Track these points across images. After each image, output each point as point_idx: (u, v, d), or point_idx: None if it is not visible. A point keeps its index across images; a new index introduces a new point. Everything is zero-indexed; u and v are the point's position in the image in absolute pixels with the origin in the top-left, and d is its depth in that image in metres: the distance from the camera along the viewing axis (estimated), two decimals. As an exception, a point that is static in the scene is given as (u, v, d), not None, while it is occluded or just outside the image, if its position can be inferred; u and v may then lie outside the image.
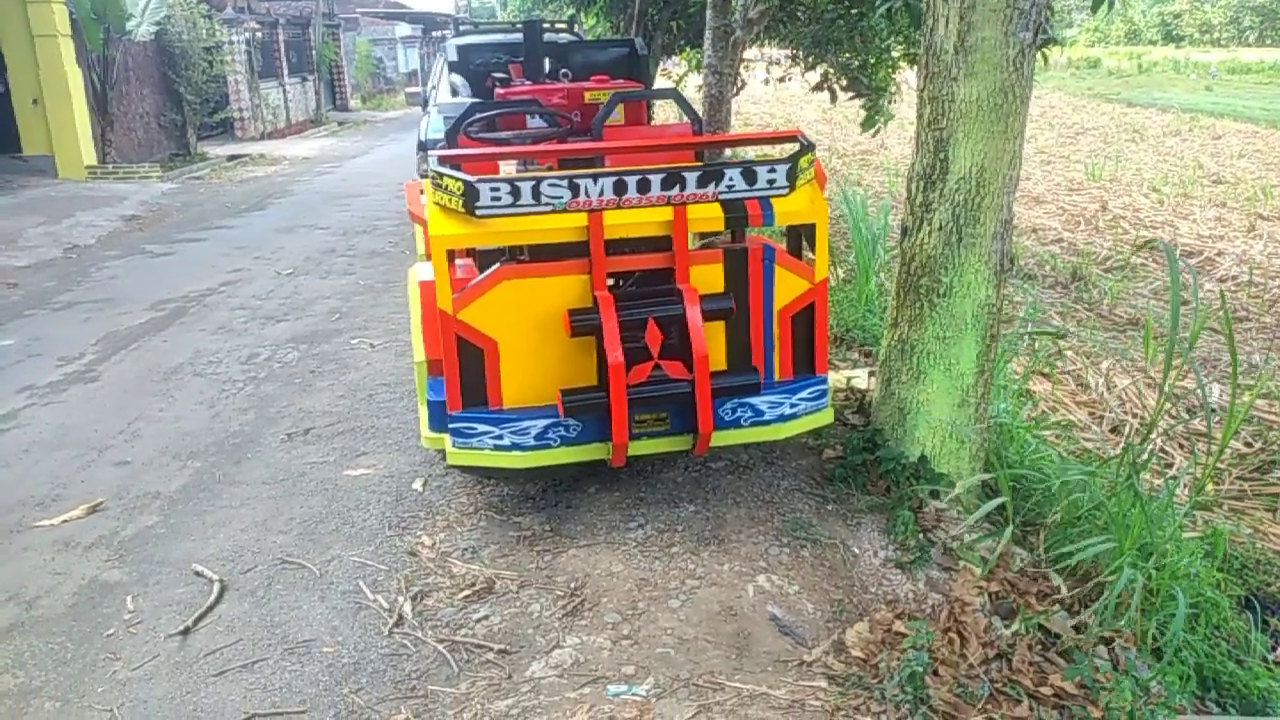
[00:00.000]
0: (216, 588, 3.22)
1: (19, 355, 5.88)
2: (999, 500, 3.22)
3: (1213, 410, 5.45)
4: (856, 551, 3.34)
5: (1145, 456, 3.82)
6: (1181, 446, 5.04)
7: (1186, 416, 5.16)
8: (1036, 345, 5.79)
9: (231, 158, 16.15)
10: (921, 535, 3.37)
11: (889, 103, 9.76)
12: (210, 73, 17.07)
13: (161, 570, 3.38)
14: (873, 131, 9.97)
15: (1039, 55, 3.95)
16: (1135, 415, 5.36)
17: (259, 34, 20.48)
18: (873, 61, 9.33)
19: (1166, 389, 3.42)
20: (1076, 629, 2.91)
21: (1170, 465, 4.74)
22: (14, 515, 3.83)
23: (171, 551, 3.50)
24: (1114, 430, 5.24)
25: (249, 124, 19.65)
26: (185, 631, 3.01)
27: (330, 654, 2.88)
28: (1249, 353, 6.47)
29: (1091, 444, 4.94)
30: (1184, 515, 3.43)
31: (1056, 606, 2.99)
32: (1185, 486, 4.22)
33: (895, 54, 9.41)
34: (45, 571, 3.41)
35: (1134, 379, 5.65)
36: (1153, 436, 4.28)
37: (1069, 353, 6.24)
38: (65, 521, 3.76)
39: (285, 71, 22.09)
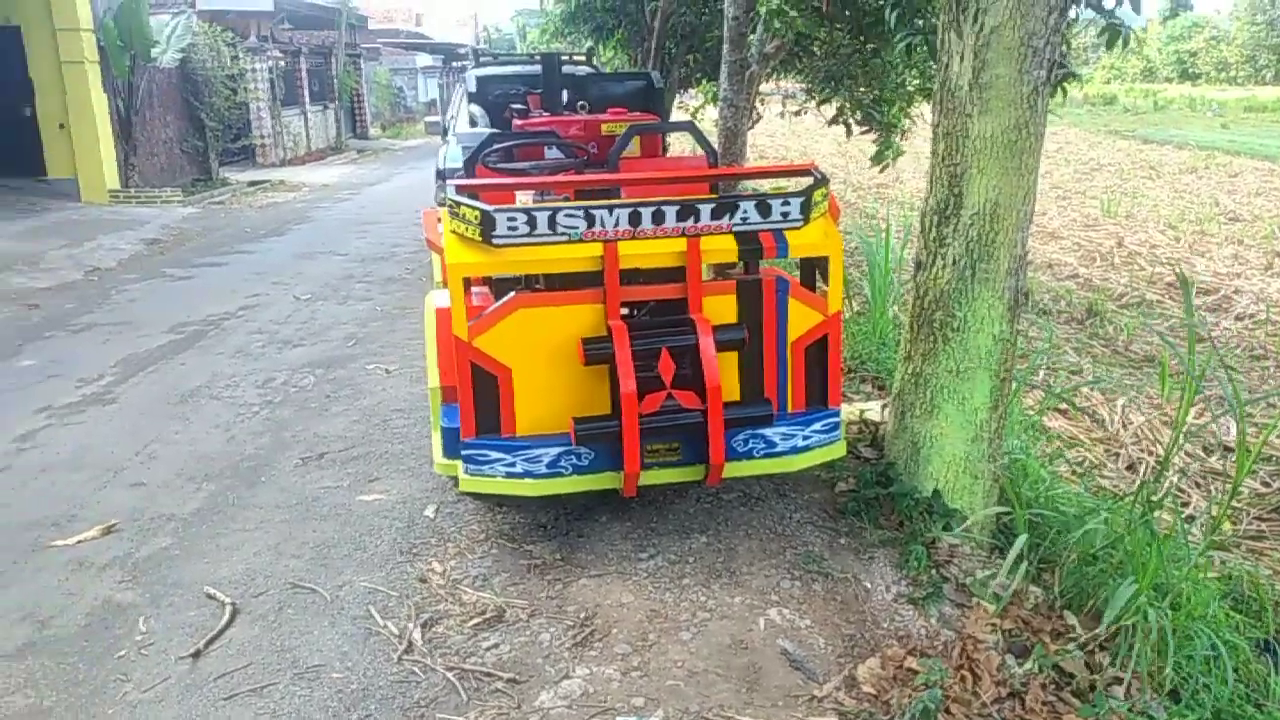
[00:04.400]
0: (228, 611, 3.23)
1: (38, 376, 5.93)
2: (1021, 542, 3.18)
3: (1229, 449, 5.41)
4: (869, 586, 3.32)
5: (1161, 494, 3.79)
6: (1198, 485, 5.00)
7: (1203, 455, 5.12)
8: (1052, 381, 5.77)
9: (252, 183, 16.34)
10: (934, 571, 3.34)
11: (900, 139, 9.79)
12: (233, 100, 17.36)
13: (174, 592, 3.39)
14: (881, 167, 10.01)
15: (1059, 89, 3.96)
16: (1151, 453, 5.32)
17: (282, 62, 20.82)
18: (887, 96, 9.39)
19: (1181, 425, 3.40)
20: (1091, 669, 2.88)
21: (1187, 504, 4.70)
22: (30, 535, 3.85)
23: (184, 574, 3.52)
24: (1130, 467, 5.20)
25: (270, 150, 19.92)
26: (196, 654, 3.01)
27: (339, 680, 2.88)
28: (1269, 390, 6.41)
29: (1107, 481, 4.90)
30: (1200, 554, 3.40)
31: (1071, 645, 2.96)
32: (1202, 526, 4.17)
33: (910, 88, 9.46)
34: (59, 592, 3.43)
35: (1149, 416, 5.62)
36: (1168, 474, 4.25)
37: (1084, 389, 6.21)
38: (80, 542, 3.79)
39: (307, 99, 22.43)
